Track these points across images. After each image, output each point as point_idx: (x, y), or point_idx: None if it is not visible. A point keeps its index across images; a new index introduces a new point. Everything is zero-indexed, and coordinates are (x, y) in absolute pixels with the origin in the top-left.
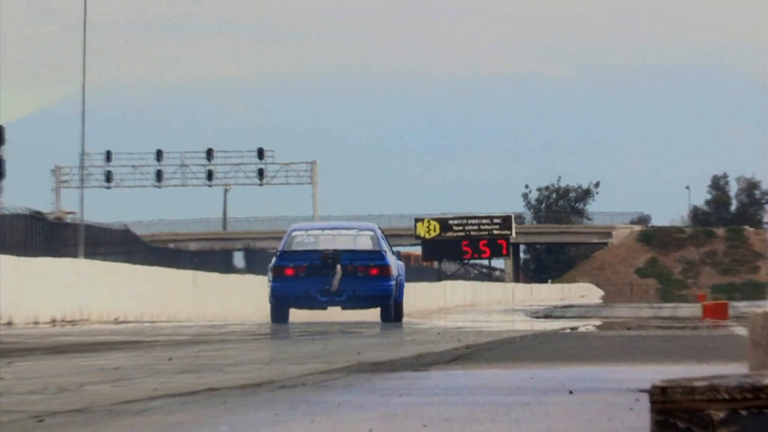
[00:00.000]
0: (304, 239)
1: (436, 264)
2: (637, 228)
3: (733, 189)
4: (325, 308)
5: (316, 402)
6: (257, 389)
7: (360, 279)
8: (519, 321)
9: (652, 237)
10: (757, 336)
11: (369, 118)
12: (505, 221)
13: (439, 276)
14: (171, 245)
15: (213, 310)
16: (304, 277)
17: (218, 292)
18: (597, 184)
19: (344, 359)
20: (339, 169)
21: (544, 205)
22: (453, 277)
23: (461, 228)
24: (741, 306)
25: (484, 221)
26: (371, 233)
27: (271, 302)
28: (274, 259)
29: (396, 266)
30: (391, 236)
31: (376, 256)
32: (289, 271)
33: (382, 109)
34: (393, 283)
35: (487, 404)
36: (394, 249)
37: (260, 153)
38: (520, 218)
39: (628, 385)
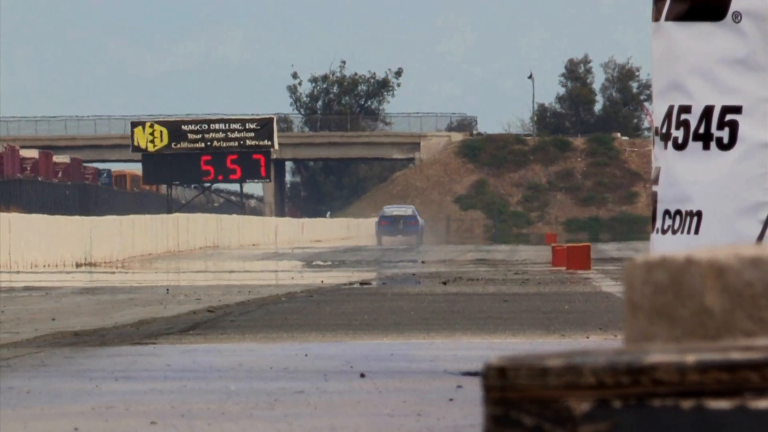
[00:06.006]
0: (388, 210)
1: (163, 189)
2: (458, 137)
3: (598, 80)
4: (395, 236)
5: None
6: None
7: (408, 225)
8: (285, 271)
9: (479, 150)
10: (636, 295)
11: None
12: (264, 127)
13: (169, 206)
14: None
15: None
16: (389, 225)
17: None
18: (399, 73)
19: (32, 327)
20: (24, 55)
21: (320, 103)
22: (189, 208)
23: (200, 137)
24: (610, 250)
25: (233, 127)
26: (413, 208)
27: (377, 236)
28: (378, 218)
29: (422, 221)
30: (98, 148)
31: (413, 218)
32: (383, 223)
33: None
34: (420, 226)
35: (243, 393)
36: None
37: None
38: (285, 122)
39: (446, 365)
